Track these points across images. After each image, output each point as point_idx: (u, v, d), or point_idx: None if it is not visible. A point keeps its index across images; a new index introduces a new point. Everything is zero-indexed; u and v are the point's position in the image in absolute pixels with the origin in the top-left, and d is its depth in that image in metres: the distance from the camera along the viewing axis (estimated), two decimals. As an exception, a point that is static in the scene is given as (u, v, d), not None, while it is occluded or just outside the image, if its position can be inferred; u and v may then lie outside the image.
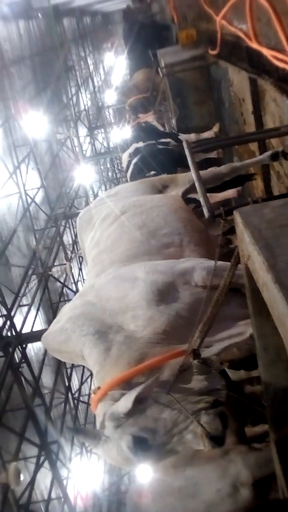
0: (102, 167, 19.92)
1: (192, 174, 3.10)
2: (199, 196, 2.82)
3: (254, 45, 4.21)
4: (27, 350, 7.78)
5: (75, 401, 10.70)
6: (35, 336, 7.52)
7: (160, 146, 6.12)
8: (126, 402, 2.34)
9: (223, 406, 2.33)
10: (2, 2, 10.37)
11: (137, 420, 2.34)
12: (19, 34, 11.79)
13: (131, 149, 6.38)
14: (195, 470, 2.87)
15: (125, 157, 6.47)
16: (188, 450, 2.38)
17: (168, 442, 2.32)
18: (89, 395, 11.88)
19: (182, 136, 6.68)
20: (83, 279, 12.71)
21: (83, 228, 4.31)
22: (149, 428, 2.33)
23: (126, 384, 2.50)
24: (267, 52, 3.93)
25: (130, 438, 2.31)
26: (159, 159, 5.63)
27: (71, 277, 11.54)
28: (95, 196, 14.79)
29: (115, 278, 3.05)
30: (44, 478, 8.13)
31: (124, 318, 2.81)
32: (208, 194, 3.05)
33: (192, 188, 3.88)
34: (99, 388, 2.59)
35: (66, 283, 11.01)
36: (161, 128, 7.73)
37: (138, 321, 2.77)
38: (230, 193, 6.49)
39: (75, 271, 12.27)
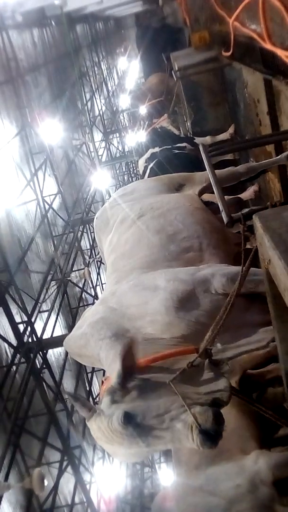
0: (118, 171, 19.98)
1: (210, 178, 3.09)
2: (217, 200, 2.81)
3: (268, 46, 4.19)
4: (48, 356, 7.83)
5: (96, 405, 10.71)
6: (56, 341, 7.58)
7: (176, 151, 6.12)
8: (116, 368, 2.40)
9: (221, 408, 2.31)
10: (16, 12, 10.50)
11: (133, 400, 2.39)
12: (33, 42, 11.92)
13: (147, 155, 6.40)
14: (216, 469, 2.87)
15: (141, 162, 6.49)
16: (177, 441, 2.33)
17: (156, 427, 2.32)
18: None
19: (198, 140, 6.67)
20: (102, 284, 12.75)
21: (101, 229, 4.29)
22: (143, 407, 2.36)
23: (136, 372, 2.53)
24: (281, 53, 3.91)
25: (121, 411, 2.35)
26: (175, 164, 5.63)
27: (89, 282, 11.59)
28: (112, 200, 14.79)
29: (136, 285, 3.06)
30: (67, 482, 8.17)
31: (142, 322, 2.83)
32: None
33: (208, 187, 3.84)
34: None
35: (84, 288, 11.06)
36: (176, 132, 7.73)
37: (156, 326, 2.79)
38: (247, 194, 6.47)
39: (94, 275, 12.32)
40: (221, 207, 2.59)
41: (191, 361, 2.42)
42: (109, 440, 2.41)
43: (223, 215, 2.56)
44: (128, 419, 2.32)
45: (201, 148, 3.46)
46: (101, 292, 10.96)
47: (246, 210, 2.46)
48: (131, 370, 2.41)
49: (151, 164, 5.97)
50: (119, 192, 4.64)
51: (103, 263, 11.22)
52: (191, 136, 7.46)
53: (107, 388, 2.46)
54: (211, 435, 2.18)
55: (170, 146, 6.31)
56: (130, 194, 4.31)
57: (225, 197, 3.04)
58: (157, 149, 6.33)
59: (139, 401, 2.38)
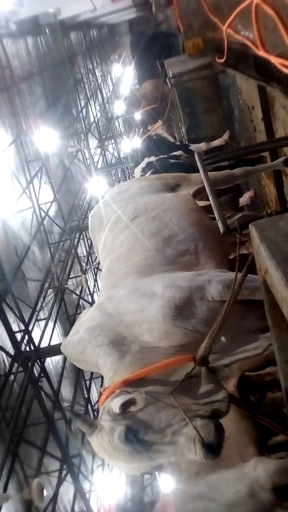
0: (113, 178, 20.01)
1: (206, 188, 3.09)
2: (213, 209, 2.81)
3: (261, 53, 4.21)
4: (46, 364, 7.80)
5: (95, 413, 10.68)
6: (54, 350, 7.55)
7: (172, 160, 6.14)
8: (118, 402, 2.39)
9: (221, 418, 2.31)
10: (10, 21, 10.53)
11: (134, 415, 2.38)
12: (27, 50, 11.95)
13: (143, 164, 6.42)
14: (215, 475, 2.87)
15: (137, 171, 6.50)
16: (179, 455, 2.33)
17: (158, 442, 2.32)
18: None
19: (193, 147, 6.70)
20: (99, 290, 12.72)
21: (96, 228, 4.26)
22: (144, 422, 2.35)
23: (134, 383, 2.54)
24: (275, 60, 3.93)
25: (123, 428, 2.34)
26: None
27: (86, 289, 11.58)
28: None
29: (133, 291, 3.04)
30: (67, 491, 8.12)
31: (139, 330, 2.83)
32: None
33: (204, 188, 3.83)
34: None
35: (82, 295, 11.04)
36: (171, 139, 7.75)
37: (154, 333, 2.79)
38: (243, 200, 6.49)
39: (91, 282, 12.30)
40: (217, 217, 2.59)
41: (189, 372, 2.42)
42: (111, 455, 2.41)
43: (220, 225, 2.56)
44: (130, 435, 2.31)
45: (196, 156, 3.46)
46: (99, 299, 10.92)
47: (239, 214, 2.48)
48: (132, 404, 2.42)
49: (148, 174, 5.99)
50: (114, 190, 4.60)
51: (100, 270, 11.20)
52: (186, 143, 7.48)
53: (107, 409, 2.44)
54: (214, 447, 2.20)
55: (166, 155, 6.34)
56: (125, 192, 4.28)
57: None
58: (153, 158, 6.35)
59: (139, 416, 2.37)
